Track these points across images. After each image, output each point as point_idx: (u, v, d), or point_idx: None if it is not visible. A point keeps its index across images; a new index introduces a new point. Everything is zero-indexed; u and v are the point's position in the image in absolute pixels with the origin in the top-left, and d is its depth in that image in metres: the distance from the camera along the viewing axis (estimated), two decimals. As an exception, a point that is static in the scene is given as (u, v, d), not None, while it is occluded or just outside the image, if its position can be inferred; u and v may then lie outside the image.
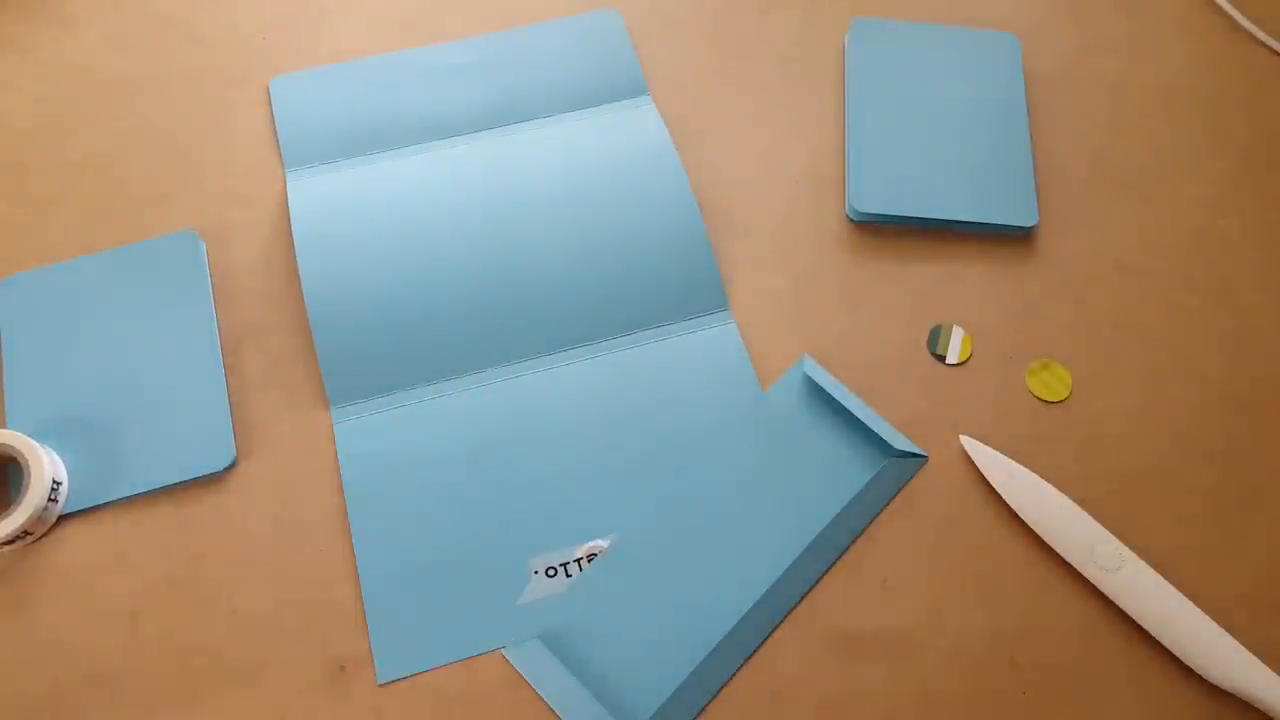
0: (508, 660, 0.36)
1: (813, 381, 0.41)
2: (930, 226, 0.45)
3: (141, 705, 0.35)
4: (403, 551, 0.38)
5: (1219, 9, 0.53)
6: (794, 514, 0.39)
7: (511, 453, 0.40)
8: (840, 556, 0.38)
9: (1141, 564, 0.37)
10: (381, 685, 0.35)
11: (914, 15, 0.52)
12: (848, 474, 0.40)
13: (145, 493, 0.39)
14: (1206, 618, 0.36)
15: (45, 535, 0.38)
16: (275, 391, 0.41)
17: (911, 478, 0.40)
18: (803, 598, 0.37)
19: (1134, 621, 0.37)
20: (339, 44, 0.50)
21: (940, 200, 0.45)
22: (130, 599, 0.37)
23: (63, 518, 0.38)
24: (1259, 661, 0.35)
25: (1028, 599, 0.38)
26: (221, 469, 0.39)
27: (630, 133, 0.47)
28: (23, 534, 0.37)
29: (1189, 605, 0.36)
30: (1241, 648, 0.36)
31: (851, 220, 0.46)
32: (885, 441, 0.40)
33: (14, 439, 0.38)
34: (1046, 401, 0.42)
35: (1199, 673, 0.36)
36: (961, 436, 0.40)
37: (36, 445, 0.38)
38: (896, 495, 0.39)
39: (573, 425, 0.40)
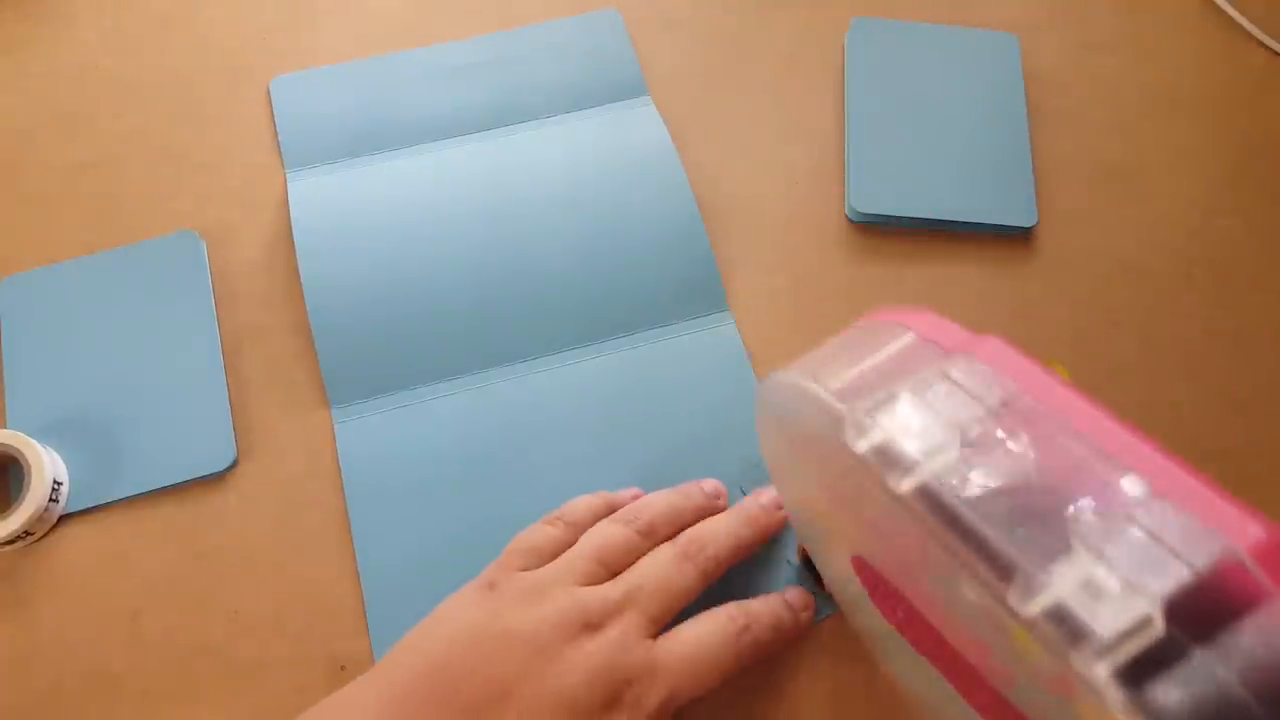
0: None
1: None
2: (930, 227, 0.45)
3: (142, 705, 0.35)
4: (404, 551, 0.38)
5: (1219, 9, 0.53)
6: (794, 514, 0.39)
7: (512, 453, 0.40)
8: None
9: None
10: (382, 685, 0.35)
11: (914, 15, 0.52)
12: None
13: (146, 493, 0.39)
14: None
15: (46, 535, 0.38)
16: (276, 392, 0.41)
17: None
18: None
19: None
20: (339, 44, 0.50)
21: (940, 200, 0.45)
22: (131, 599, 0.37)
23: (63, 518, 0.38)
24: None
25: (1028, 599, 0.38)
26: (222, 469, 0.39)
27: (630, 133, 0.47)
28: (23, 534, 0.37)
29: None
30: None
31: (851, 220, 0.46)
32: None
33: (14, 439, 0.38)
34: (1046, 401, 0.42)
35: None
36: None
37: (37, 445, 0.38)
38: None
39: (573, 425, 0.40)
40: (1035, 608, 0.16)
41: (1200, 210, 0.47)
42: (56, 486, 0.37)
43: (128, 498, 0.38)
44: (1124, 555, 0.16)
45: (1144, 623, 0.16)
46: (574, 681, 0.29)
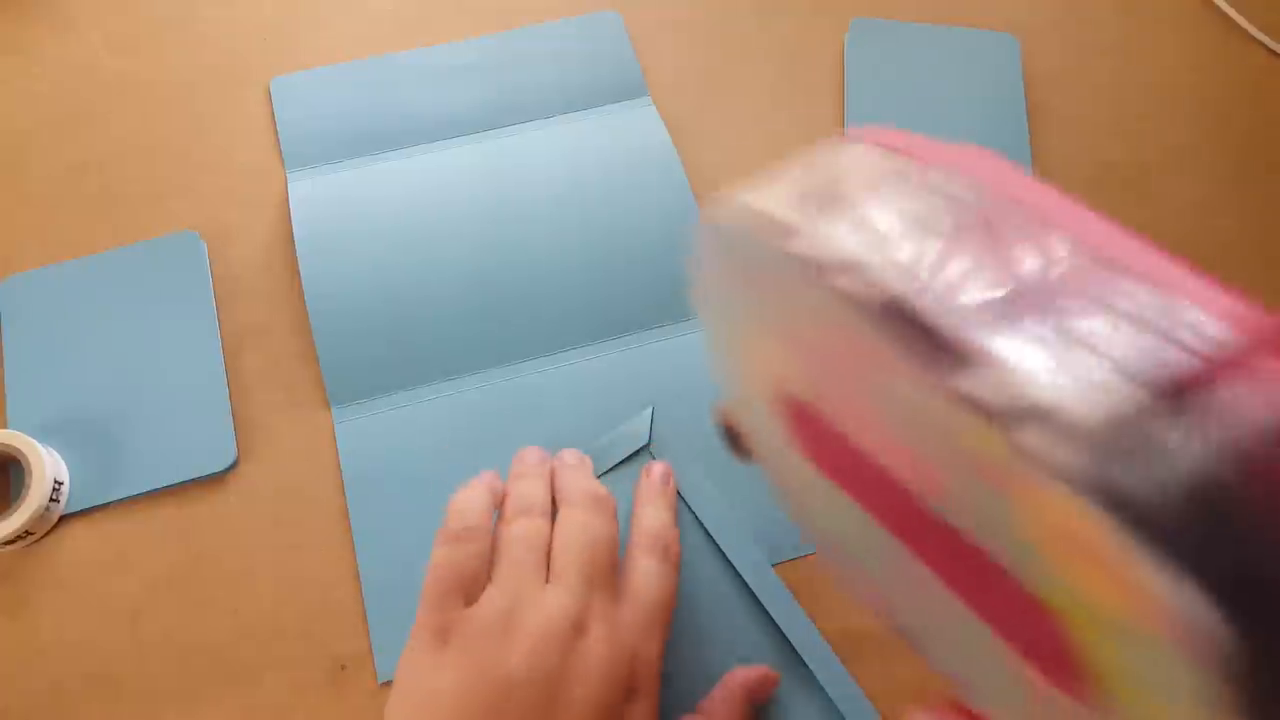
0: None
1: None
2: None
3: (142, 705, 0.35)
4: (404, 551, 0.38)
5: (1218, 9, 0.53)
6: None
7: (511, 452, 0.39)
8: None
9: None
10: (383, 684, 0.35)
11: (914, 16, 0.52)
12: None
13: (146, 493, 0.39)
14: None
15: (46, 535, 0.38)
16: (276, 392, 0.41)
17: None
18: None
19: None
20: (339, 45, 0.50)
21: (940, 201, 0.45)
22: (131, 599, 0.37)
23: (64, 518, 0.38)
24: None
25: (1028, 599, 0.38)
26: (222, 469, 0.39)
27: (630, 134, 0.47)
28: (24, 534, 0.37)
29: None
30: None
31: (851, 221, 0.46)
32: None
33: (15, 439, 0.38)
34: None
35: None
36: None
37: (38, 445, 0.38)
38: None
39: (573, 426, 0.40)
40: (988, 387, 0.15)
41: (1200, 211, 0.47)
42: (57, 486, 0.37)
43: (128, 498, 0.38)
44: (1100, 336, 0.15)
45: (1117, 400, 0.14)
46: (596, 689, 0.30)
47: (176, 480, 0.39)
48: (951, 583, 0.21)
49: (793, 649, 0.36)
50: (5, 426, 0.40)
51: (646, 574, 0.33)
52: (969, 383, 0.15)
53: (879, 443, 0.21)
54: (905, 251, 0.17)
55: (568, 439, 0.40)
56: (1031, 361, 0.15)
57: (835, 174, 0.19)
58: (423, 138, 0.47)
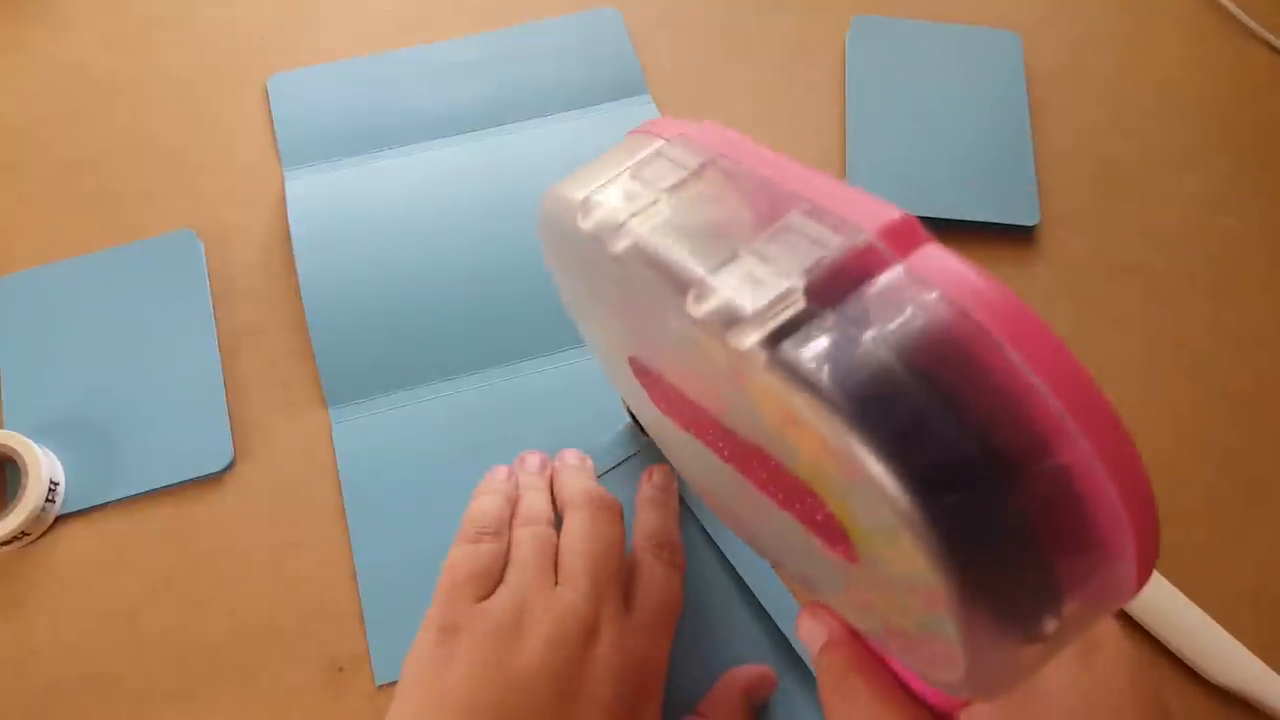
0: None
1: None
2: (931, 226, 0.45)
3: (140, 706, 0.35)
4: (401, 552, 0.37)
5: (1220, 6, 0.52)
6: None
7: (511, 453, 0.39)
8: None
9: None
10: (380, 686, 0.35)
11: (915, 14, 0.51)
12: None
13: (143, 493, 0.38)
14: (1207, 617, 0.36)
15: (43, 536, 0.38)
16: (273, 391, 0.41)
17: None
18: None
19: (1134, 620, 0.37)
20: (337, 43, 0.50)
21: (941, 199, 0.45)
22: (128, 599, 0.37)
23: (60, 518, 0.38)
24: (1260, 661, 0.35)
25: (1029, 599, 0.37)
26: (220, 469, 0.39)
27: (630, 131, 0.47)
28: (20, 534, 0.37)
29: (1190, 604, 0.36)
30: (1243, 647, 0.36)
31: (852, 219, 0.46)
32: None
33: (11, 439, 0.37)
34: (1047, 401, 0.41)
35: (1199, 672, 0.36)
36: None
37: (34, 445, 0.37)
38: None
39: (574, 426, 0.40)
40: (705, 307, 0.18)
41: (1202, 208, 0.47)
42: (53, 487, 0.37)
43: (125, 498, 0.38)
44: (779, 252, 0.19)
45: (786, 295, 0.18)
46: (608, 695, 0.29)
47: (173, 480, 0.38)
48: (759, 485, 0.23)
49: (792, 649, 0.36)
50: (1, 427, 0.39)
51: (652, 579, 0.33)
52: (694, 307, 0.19)
53: (679, 375, 0.24)
54: (651, 210, 0.21)
55: (568, 439, 0.39)
56: (729, 280, 0.19)
57: (617, 159, 0.24)
58: (421, 135, 0.47)
